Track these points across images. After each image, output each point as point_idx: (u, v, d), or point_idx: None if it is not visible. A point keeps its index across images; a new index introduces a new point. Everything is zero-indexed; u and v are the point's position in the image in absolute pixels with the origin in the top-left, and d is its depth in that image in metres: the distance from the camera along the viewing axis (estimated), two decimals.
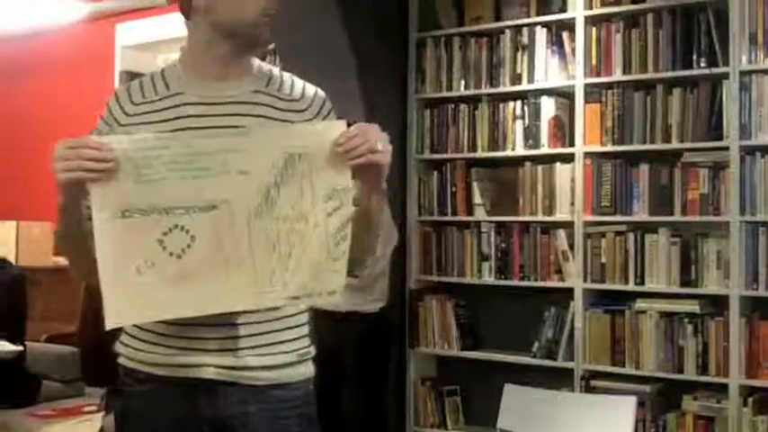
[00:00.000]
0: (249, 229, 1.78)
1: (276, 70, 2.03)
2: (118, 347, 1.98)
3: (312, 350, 2.02)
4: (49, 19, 6.15)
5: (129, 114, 1.93)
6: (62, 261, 6.47)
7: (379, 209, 1.92)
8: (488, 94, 4.70)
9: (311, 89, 2.01)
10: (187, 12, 1.96)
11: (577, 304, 4.37)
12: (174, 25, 5.37)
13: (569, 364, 4.37)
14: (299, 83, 2.02)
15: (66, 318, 5.79)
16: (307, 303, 1.90)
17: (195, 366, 1.88)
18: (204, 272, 1.77)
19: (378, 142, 1.79)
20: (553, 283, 4.49)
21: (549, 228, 4.53)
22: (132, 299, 1.77)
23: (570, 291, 4.40)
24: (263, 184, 1.78)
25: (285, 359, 1.93)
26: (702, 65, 4.12)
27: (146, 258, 1.76)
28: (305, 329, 2.00)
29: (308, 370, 2.00)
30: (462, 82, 4.79)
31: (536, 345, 4.49)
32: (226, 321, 1.86)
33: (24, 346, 4.41)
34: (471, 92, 4.75)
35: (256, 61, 2.02)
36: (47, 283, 5.91)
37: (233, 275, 1.78)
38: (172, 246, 1.76)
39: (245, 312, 1.87)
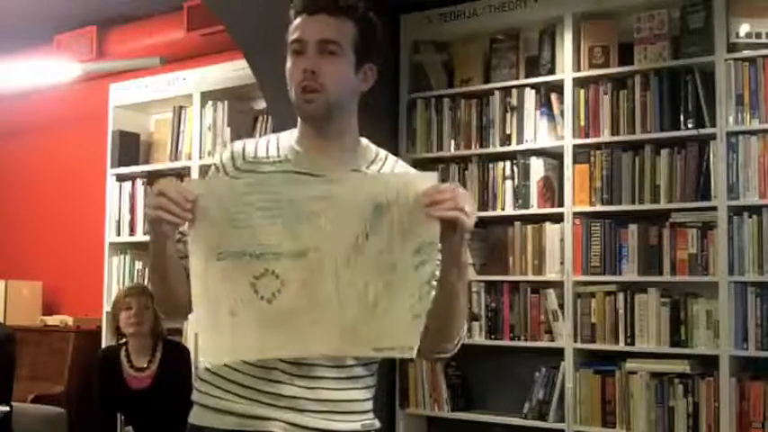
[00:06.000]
0: (337, 278, 1.77)
1: (383, 153, 2.04)
2: (194, 395, 2.01)
3: (376, 423, 2.03)
4: (43, 78, 6.19)
5: (238, 169, 1.98)
6: (50, 321, 6.41)
7: (462, 288, 1.86)
8: (478, 155, 4.74)
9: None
10: None
11: (568, 364, 4.35)
12: (166, 86, 5.44)
13: (560, 425, 4.35)
14: (401, 167, 2.04)
15: (53, 378, 5.74)
16: (387, 356, 1.87)
17: (263, 419, 1.91)
18: (293, 317, 1.79)
19: (466, 204, 1.76)
20: (543, 343, 4.48)
21: (538, 287, 4.53)
22: (225, 339, 1.80)
23: (561, 351, 4.39)
24: (352, 234, 1.76)
25: (350, 427, 1.95)
26: (690, 126, 4.17)
27: (238, 300, 1.79)
28: (370, 404, 2.02)
29: None
30: (452, 142, 4.82)
31: (527, 405, 4.47)
32: (300, 379, 1.90)
33: (11, 406, 4.36)
34: (461, 152, 4.78)
35: (365, 141, 2.04)
36: (34, 342, 5.87)
37: (321, 322, 1.78)
38: (263, 290, 1.78)
39: (324, 377, 1.91)
